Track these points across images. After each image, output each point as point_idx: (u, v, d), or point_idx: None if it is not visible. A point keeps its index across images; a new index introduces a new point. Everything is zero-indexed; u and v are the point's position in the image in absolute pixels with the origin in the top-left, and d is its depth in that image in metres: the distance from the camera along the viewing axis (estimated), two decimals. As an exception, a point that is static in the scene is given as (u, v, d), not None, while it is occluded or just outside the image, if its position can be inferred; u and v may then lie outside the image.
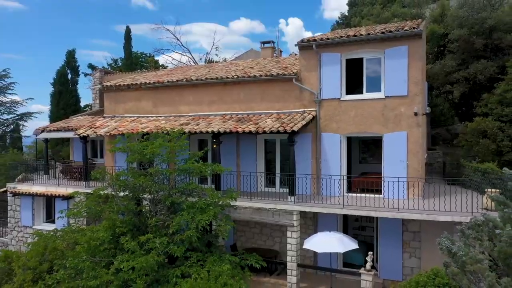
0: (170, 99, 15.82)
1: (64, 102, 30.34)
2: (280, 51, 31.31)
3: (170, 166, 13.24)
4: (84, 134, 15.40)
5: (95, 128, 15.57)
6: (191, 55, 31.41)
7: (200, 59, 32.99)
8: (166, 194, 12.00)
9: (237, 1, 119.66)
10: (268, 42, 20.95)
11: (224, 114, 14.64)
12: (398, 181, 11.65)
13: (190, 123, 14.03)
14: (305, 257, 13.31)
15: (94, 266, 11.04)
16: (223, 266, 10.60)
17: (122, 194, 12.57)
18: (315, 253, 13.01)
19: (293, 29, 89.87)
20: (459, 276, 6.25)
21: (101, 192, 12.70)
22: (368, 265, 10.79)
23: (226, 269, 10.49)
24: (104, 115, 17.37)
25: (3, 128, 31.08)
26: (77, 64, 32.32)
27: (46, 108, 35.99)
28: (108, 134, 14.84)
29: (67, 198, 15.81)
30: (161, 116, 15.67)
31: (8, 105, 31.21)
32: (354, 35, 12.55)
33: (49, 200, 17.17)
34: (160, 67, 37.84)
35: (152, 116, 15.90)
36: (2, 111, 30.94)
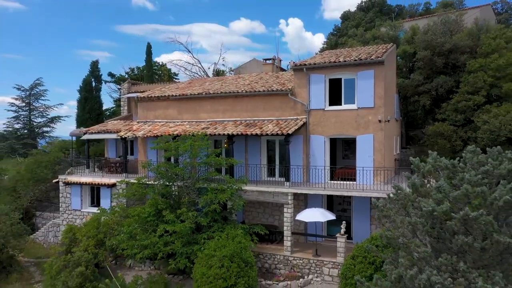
0: (192, 108, 19.97)
1: (89, 107, 34.44)
2: (280, 60, 35.53)
3: (193, 160, 17.34)
4: (125, 136, 19.56)
5: (133, 131, 19.73)
6: (201, 65, 35.44)
7: (209, 68, 37.14)
8: (194, 181, 16.15)
9: (237, 1, 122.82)
10: (270, 59, 25.13)
11: (235, 120, 18.77)
12: (363, 170, 15.78)
13: (209, 127, 18.16)
14: (297, 229, 17.41)
15: (143, 231, 15.21)
16: (237, 231, 14.76)
17: (158, 182, 16.68)
18: (305, 225, 17.16)
19: (293, 30, 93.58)
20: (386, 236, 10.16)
21: (143, 180, 16.85)
22: (342, 231, 14.90)
23: (240, 233, 14.66)
24: (137, 120, 21.53)
25: (36, 130, 35.25)
26: (100, 73, 36.53)
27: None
28: (145, 136, 18.99)
29: (111, 186, 19.96)
30: (185, 122, 19.82)
31: (41, 109, 35.40)
32: (335, 61, 16.67)
33: (94, 189, 21.30)
34: (172, 75, 42.01)
35: (177, 121, 20.04)
36: (36, 115, 35.13)
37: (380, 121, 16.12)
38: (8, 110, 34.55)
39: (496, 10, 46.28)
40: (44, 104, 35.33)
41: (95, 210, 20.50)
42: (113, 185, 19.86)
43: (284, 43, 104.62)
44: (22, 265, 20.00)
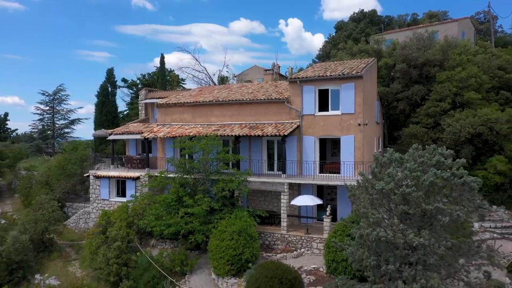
0: (204, 113, 23.63)
1: (106, 110, 38.15)
2: (279, 67, 39.31)
3: (206, 156, 20.90)
4: (148, 137, 23.20)
5: (154, 132, 23.39)
6: (207, 72, 39.06)
7: (214, 74, 40.71)
8: (208, 173, 19.79)
9: (236, 1, 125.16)
10: (269, 70, 28.74)
11: (241, 123, 22.40)
12: (344, 165, 19.42)
13: (219, 130, 21.78)
14: (292, 213, 21.04)
15: (168, 214, 18.85)
16: (243, 213, 18.41)
17: (178, 174, 20.28)
18: (298, 211, 20.80)
19: (293, 30, 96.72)
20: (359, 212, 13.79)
21: (165, 174, 20.49)
22: (327, 213, 18.53)
23: (245, 214, 18.31)
24: (157, 123, 25.17)
25: (59, 131, 39.03)
26: (115, 80, 40.19)
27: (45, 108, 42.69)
28: (165, 136, 22.64)
29: (135, 179, 23.60)
30: (198, 125, 23.45)
31: (63, 112, 39.15)
32: (323, 76, 20.30)
33: (119, 181, 24.92)
34: (180, 80, 45.62)
35: (192, 124, 23.68)
36: (58, 117, 38.89)
37: (359, 124, 19.75)
38: (34, 113, 38.64)
39: (479, 20, 50.05)
40: (66, 108, 39.18)
41: (120, 199, 24.21)
42: (137, 178, 23.52)
43: (284, 43, 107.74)
44: (60, 246, 23.63)
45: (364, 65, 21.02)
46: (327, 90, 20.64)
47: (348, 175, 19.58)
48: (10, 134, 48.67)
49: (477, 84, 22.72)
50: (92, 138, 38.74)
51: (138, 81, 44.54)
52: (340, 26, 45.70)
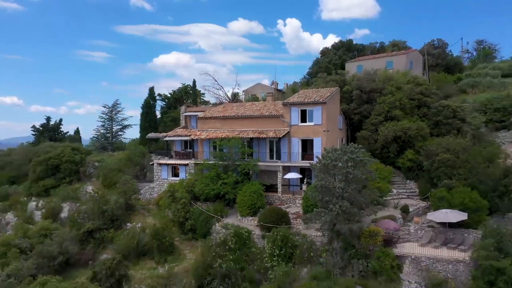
0: (229, 123, 37.09)
1: (149, 119, 51.52)
2: (277, 84, 52.94)
3: (231, 150, 34.18)
4: (194, 138, 36.68)
5: (197, 135, 36.85)
6: (224, 90, 52.60)
7: (228, 91, 54.18)
8: (233, 160, 33.27)
9: (235, 2, 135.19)
10: (270, 93, 42.25)
11: (253, 129, 35.83)
12: (315, 156, 32.93)
13: (240, 134, 35.19)
14: (284, 183, 34.46)
15: (211, 183, 32.37)
16: (255, 182, 31.99)
17: (215, 161, 33.69)
18: (288, 182, 34.30)
19: (291, 30, 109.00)
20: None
21: (206, 162, 33.98)
22: (305, 182, 31.94)
23: (257, 183, 31.89)
24: (197, 129, 38.64)
25: (114, 134, 52.69)
26: (155, 95, 53.67)
27: (48, 109, 57.50)
28: (205, 138, 36.12)
29: (185, 165, 37.08)
30: (225, 130, 36.86)
31: (118, 120, 52.78)
32: (302, 102, 33.74)
33: (173, 167, 38.35)
34: (201, 95, 59.03)
35: (221, 130, 37.11)
36: (114, 125, 52.51)
37: (324, 131, 33.19)
38: (98, 120, 52.85)
39: (434, 44, 63.53)
40: (121, 117, 52.97)
41: (174, 179, 37.67)
42: (187, 164, 36.98)
43: (282, 43, 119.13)
44: (137, 208, 37.03)
45: (329, 94, 34.45)
46: (305, 110, 34.09)
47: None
48: (64, 136, 62.18)
49: (401, 105, 36.21)
50: (136, 138, 52.32)
51: (169, 95, 57.99)
52: (324, 52, 59.35)
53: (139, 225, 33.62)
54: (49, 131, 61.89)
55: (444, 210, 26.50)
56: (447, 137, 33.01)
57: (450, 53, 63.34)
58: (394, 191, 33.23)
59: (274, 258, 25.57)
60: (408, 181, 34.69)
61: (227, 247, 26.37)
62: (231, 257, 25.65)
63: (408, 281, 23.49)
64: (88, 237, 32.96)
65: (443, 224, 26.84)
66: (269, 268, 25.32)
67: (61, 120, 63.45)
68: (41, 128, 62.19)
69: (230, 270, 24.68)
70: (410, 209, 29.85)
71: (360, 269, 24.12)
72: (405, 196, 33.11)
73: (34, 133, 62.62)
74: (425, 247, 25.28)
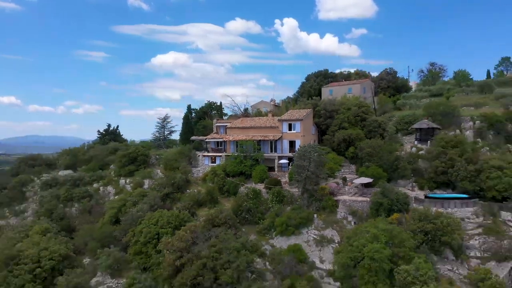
0: (245, 131, 61.76)
1: (188, 126, 76.16)
2: (275, 101, 78.19)
3: (247, 147, 58.67)
4: (225, 140, 61.30)
5: (227, 138, 61.45)
6: (238, 106, 77.28)
7: (241, 107, 78.71)
8: (249, 153, 57.94)
9: (232, 1, 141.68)
10: (271, 111, 67.02)
11: (260, 135, 60.44)
12: (297, 150, 57.70)
13: (253, 137, 59.80)
14: (280, 165, 58.98)
15: (237, 165, 57.11)
16: (262, 165, 56.75)
17: (238, 154, 58.28)
18: (281, 164, 58.93)
19: (288, 30, 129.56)
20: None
21: (233, 154, 58.66)
22: (290, 166, 56.48)
23: (263, 166, 56.67)
24: (226, 134, 63.27)
25: (165, 137, 77.62)
26: (192, 109, 78.36)
27: (47, 108, 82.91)
28: (231, 140, 60.73)
29: (219, 156, 61.67)
30: (243, 135, 61.45)
31: (168, 127, 77.58)
32: (288, 119, 58.36)
33: (211, 157, 62.90)
34: (221, 109, 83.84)
35: (241, 135, 61.70)
36: (164, 132, 77.40)
37: (302, 136, 57.71)
38: (155, 128, 78.40)
39: (387, 71, 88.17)
40: (170, 126, 78.01)
41: (212, 164, 62.31)
42: (220, 156, 61.55)
43: (280, 43, 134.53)
44: (192, 182, 61.43)
45: (305, 113, 59.01)
46: (291, 123, 58.65)
47: (298, 153, 57.92)
48: (124, 140, 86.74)
49: (348, 120, 60.80)
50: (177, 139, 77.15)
51: (198, 108, 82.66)
52: (308, 78, 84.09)
53: (195, 190, 58.13)
54: (109, 134, 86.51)
55: (362, 178, 51.13)
56: (373, 139, 57.58)
57: (401, 76, 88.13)
58: (342, 170, 57.83)
59: (273, 203, 50.09)
60: (351, 165, 59.30)
61: (248, 197, 50.83)
62: (250, 202, 50.08)
63: (340, 212, 48.05)
64: (165, 197, 57.29)
65: (362, 185, 51.44)
66: (270, 207, 49.85)
67: (117, 126, 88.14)
68: (104, 132, 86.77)
69: (250, 207, 49.15)
70: (348, 179, 54.48)
71: (316, 206, 48.66)
72: (348, 173, 57.72)
73: (99, 135, 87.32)
74: (351, 196, 49.90)
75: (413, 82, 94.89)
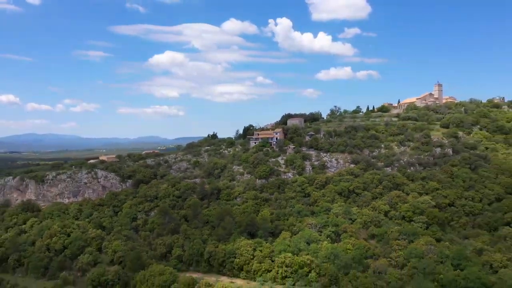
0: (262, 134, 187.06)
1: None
2: (271, 125, 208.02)
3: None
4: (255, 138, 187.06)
5: (258, 136, 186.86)
6: (253, 126, 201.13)
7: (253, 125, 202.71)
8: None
9: (227, 2, 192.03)
10: (270, 129, 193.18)
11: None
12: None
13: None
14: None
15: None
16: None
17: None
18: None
19: (282, 29, 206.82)
20: None
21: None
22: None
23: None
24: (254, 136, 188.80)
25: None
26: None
27: (44, 107, 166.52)
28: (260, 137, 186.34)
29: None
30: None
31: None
32: (271, 128, 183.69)
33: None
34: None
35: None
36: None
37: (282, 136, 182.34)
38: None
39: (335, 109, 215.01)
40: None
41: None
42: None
43: (275, 43, 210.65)
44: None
45: (279, 130, 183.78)
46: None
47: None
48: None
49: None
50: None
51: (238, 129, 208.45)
52: (288, 116, 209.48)
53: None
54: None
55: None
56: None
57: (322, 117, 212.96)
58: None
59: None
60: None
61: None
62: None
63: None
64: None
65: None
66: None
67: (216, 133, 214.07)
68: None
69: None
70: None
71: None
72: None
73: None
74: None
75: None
